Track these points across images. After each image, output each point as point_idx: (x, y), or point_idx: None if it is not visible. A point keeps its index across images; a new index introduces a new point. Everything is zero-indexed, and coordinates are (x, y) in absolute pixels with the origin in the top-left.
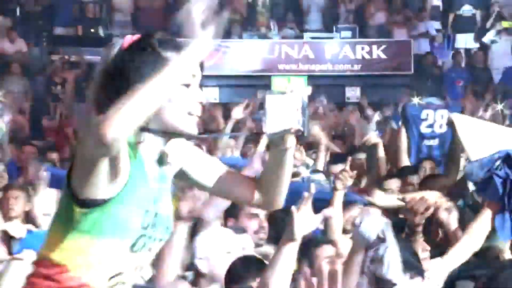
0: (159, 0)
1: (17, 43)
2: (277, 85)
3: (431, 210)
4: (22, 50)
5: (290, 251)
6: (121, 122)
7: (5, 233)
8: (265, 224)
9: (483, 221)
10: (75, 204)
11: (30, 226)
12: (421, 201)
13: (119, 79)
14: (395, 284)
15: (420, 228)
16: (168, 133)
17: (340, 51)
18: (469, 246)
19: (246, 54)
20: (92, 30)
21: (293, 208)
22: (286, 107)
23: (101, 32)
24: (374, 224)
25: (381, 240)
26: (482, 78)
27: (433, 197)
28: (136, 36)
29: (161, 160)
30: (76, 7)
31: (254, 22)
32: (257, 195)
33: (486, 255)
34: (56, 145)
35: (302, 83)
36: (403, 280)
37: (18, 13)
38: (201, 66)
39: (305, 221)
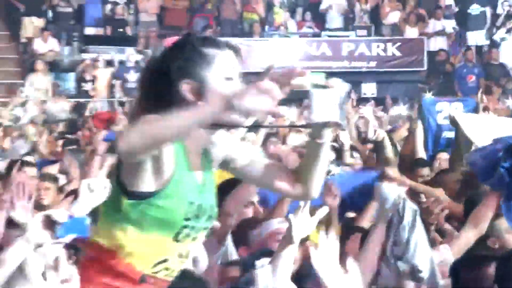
0: (182, 0)
1: (50, 43)
2: (296, 81)
3: (445, 212)
4: (54, 49)
5: (290, 252)
6: (136, 142)
7: (48, 218)
8: (261, 211)
9: (487, 208)
10: (123, 195)
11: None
12: (436, 202)
13: (163, 78)
14: (420, 271)
15: (433, 227)
16: (213, 125)
17: (356, 49)
18: (473, 233)
19: (266, 52)
20: (120, 30)
21: (291, 215)
22: (328, 101)
23: (128, 31)
24: (393, 188)
25: (400, 216)
26: (495, 73)
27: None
28: (178, 37)
29: (206, 152)
30: (105, 8)
31: (272, 22)
32: (295, 186)
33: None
34: (83, 140)
35: (340, 80)
36: (428, 268)
37: (50, 14)
38: (240, 59)
39: (302, 226)
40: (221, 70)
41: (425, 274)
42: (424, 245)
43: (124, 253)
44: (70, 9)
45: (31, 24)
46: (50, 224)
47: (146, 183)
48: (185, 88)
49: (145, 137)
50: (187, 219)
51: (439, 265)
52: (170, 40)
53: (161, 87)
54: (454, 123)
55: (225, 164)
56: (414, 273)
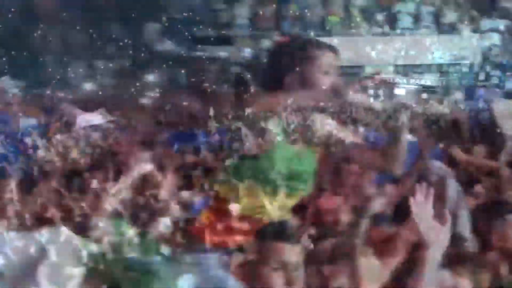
0: (270, 7)
1: (166, 44)
2: (369, 72)
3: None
4: (169, 48)
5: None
6: None
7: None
8: None
9: None
10: (233, 156)
11: None
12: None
13: (273, 69)
14: (466, 240)
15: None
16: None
17: (421, 45)
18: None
19: (345, 49)
20: (223, 32)
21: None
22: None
23: (229, 33)
24: (441, 165)
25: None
26: None
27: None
28: (288, 36)
29: (308, 129)
30: (210, 14)
31: (350, 23)
32: (383, 163)
33: None
34: None
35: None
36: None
37: (165, 20)
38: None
39: None
40: (320, 67)
41: (469, 244)
42: (468, 220)
43: (231, 198)
44: (182, 16)
45: (150, 29)
46: (187, 204)
47: (251, 146)
48: (289, 80)
49: None
50: (280, 178)
51: None
52: (282, 39)
53: (272, 76)
54: (490, 108)
55: (325, 141)
56: (462, 243)
